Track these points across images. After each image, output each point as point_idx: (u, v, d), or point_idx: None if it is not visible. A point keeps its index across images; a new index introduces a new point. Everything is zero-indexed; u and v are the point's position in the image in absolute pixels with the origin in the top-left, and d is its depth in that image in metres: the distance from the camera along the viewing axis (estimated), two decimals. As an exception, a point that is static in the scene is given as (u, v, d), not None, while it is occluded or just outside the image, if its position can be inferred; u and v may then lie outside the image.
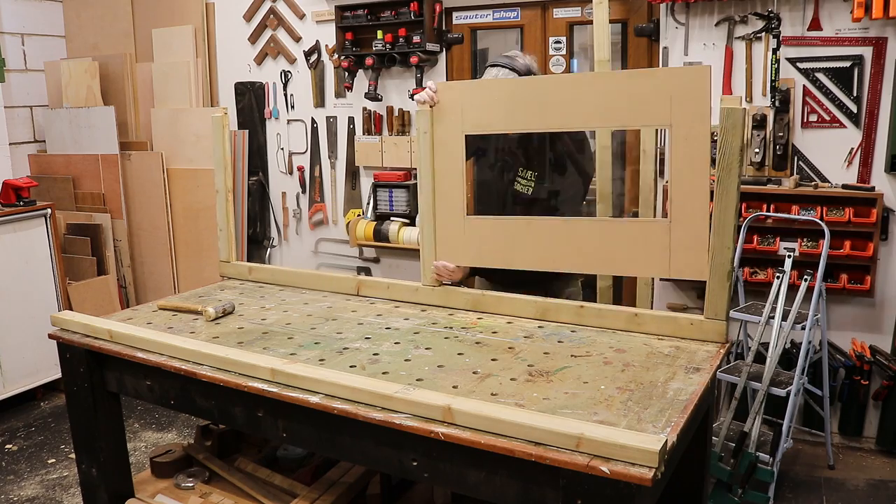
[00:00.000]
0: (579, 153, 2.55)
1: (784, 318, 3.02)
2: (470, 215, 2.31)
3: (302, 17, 4.49)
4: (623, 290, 3.95)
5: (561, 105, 2.10)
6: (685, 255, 1.99)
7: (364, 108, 4.38)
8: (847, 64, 3.26)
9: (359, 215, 4.43)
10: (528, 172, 2.50)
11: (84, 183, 4.83)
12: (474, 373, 1.82)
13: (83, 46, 5.05)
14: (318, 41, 4.48)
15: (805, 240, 3.38)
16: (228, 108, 4.79)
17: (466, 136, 2.24)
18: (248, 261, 4.69)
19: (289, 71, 4.62)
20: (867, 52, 3.22)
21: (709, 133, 1.89)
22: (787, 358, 3.29)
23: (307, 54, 4.52)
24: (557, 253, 2.19)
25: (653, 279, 3.69)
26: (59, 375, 2.99)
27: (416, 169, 4.23)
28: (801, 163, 3.42)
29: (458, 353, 1.96)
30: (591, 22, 3.57)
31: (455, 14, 4.13)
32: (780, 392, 2.93)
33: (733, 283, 3.35)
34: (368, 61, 4.14)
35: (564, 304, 2.20)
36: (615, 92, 2.02)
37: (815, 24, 3.28)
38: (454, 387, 1.73)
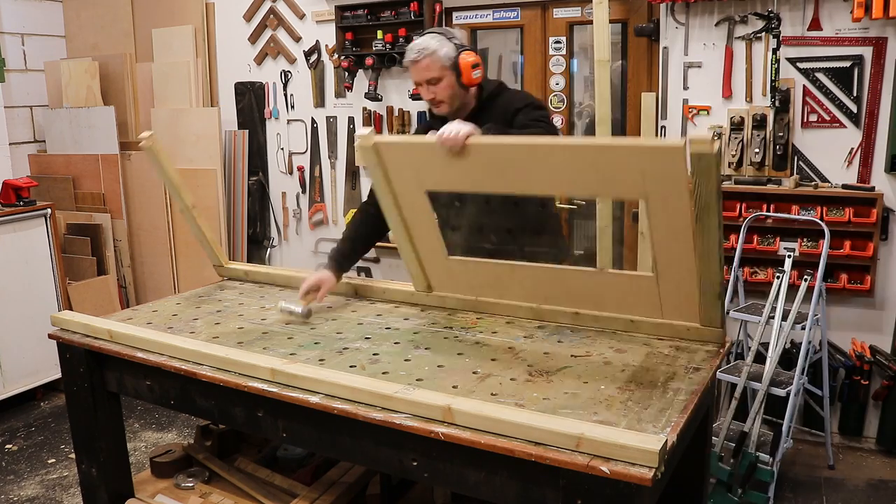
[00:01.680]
0: None
1: (784, 317, 3.02)
2: (452, 256, 2.23)
3: (302, 17, 4.49)
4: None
5: (525, 170, 1.90)
6: (676, 304, 1.94)
7: (364, 108, 4.38)
8: (847, 64, 3.26)
9: (359, 215, 4.42)
10: None
11: (84, 183, 4.83)
12: (474, 373, 1.82)
13: (83, 46, 5.04)
14: (318, 41, 4.48)
15: (805, 240, 3.38)
16: (229, 108, 4.79)
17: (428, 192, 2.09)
18: (249, 261, 4.71)
19: (289, 71, 4.62)
20: (867, 52, 3.22)
21: (689, 205, 1.66)
22: (787, 358, 3.28)
23: (307, 54, 4.52)
24: (549, 292, 2.16)
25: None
26: (59, 375, 2.98)
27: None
28: (801, 163, 3.41)
29: (458, 353, 1.96)
30: (591, 22, 3.57)
31: (455, 14, 4.13)
32: (780, 392, 2.93)
33: (733, 282, 3.38)
34: (368, 61, 4.14)
35: (561, 310, 2.19)
36: (582, 163, 1.81)
37: (815, 24, 3.28)
38: (454, 387, 1.73)
